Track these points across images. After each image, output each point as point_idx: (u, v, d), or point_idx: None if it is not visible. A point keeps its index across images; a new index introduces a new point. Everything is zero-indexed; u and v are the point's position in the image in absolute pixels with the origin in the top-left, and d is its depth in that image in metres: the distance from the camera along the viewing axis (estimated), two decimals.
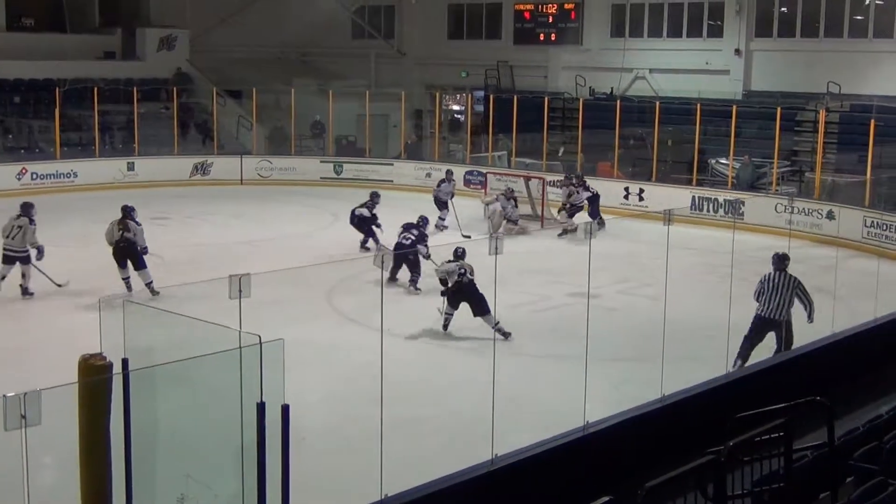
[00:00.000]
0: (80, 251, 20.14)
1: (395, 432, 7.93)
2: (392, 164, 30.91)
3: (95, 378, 6.10)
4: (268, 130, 34.00)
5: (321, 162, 31.45)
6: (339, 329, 15.25)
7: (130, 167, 29.34)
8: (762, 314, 12.98)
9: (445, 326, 14.93)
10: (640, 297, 17.10)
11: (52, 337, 14.30)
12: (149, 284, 16.48)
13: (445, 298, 14.89)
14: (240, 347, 6.05)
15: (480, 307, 14.25)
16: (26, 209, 16.98)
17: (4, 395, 4.72)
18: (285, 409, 6.08)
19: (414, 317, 15.20)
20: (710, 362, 11.47)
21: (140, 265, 16.67)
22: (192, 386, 6.59)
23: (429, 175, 28.52)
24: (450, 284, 14.74)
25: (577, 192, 23.75)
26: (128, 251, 16.59)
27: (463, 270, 14.47)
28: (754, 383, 10.74)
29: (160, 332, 6.72)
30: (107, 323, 6.46)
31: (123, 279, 16.68)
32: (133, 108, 30.92)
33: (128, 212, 16.99)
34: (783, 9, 31.27)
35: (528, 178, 25.88)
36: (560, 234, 22.44)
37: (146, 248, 16.87)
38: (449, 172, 25.03)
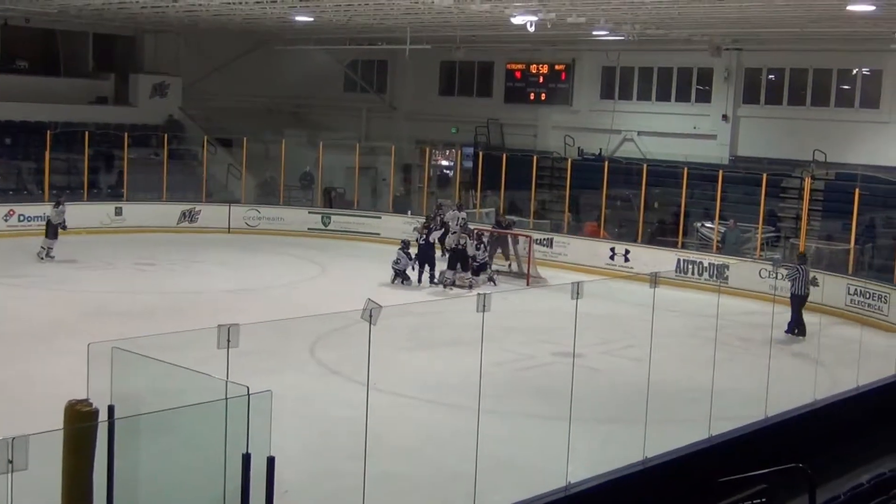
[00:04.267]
0: (64, 294, 20.12)
1: (376, 488, 7.90)
2: (380, 217, 31.00)
3: (82, 425, 6.08)
4: (257, 180, 34.09)
5: (309, 213, 31.53)
6: (320, 381, 15.20)
7: (118, 212, 29.35)
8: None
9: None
10: (623, 358, 17.12)
11: (37, 380, 14.22)
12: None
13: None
14: (226, 398, 6.05)
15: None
16: None
17: None
18: (270, 462, 6.07)
19: (398, 371, 15.18)
20: (693, 425, 11.47)
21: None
22: (177, 434, 6.57)
23: (416, 229, 28.56)
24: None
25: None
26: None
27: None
28: (737, 448, 10.75)
29: (147, 380, 6.71)
30: (94, 369, 6.46)
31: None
32: (123, 153, 30.97)
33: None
34: (771, 76, 31.70)
35: (514, 236, 26.01)
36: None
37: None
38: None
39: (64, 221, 24.46)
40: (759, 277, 22.41)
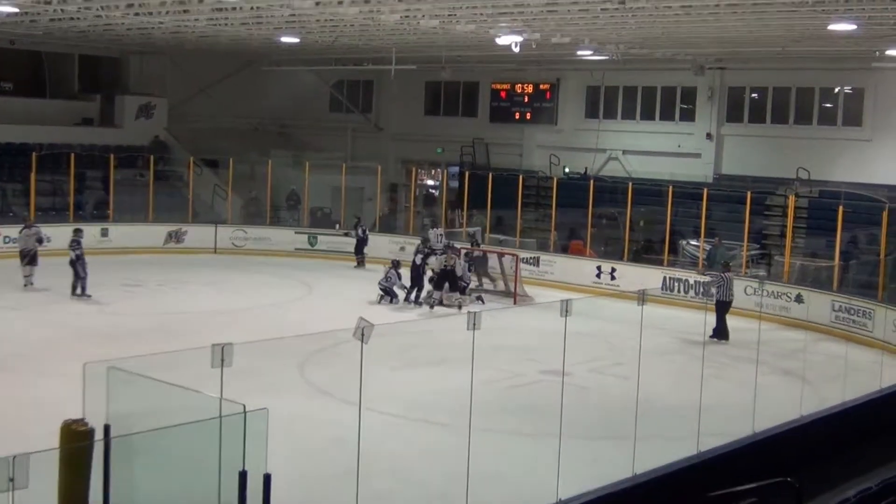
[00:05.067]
0: (53, 317, 20.10)
1: None
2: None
3: (78, 444, 6.11)
4: (243, 200, 34.12)
5: (296, 233, 31.57)
6: (309, 401, 15.22)
7: (104, 233, 29.31)
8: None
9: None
10: (611, 375, 17.20)
11: (30, 402, 14.21)
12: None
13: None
14: (220, 416, 6.09)
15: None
16: None
17: None
18: (267, 479, 6.11)
19: (387, 390, 15.21)
20: (681, 441, 11.53)
21: None
22: (173, 453, 6.60)
23: (402, 248, 28.65)
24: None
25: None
26: None
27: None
28: (725, 463, 10.81)
29: (142, 399, 6.75)
30: (88, 389, 6.50)
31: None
32: (109, 174, 30.97)
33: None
34: (754, 95, 31.97)
35: (501, 255, 26.10)
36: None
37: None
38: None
39: (35, 246, 23.48)
40: (745, 294, 22.53)
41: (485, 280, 25.52)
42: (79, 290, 22.42)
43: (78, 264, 22.50)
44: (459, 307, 22.90)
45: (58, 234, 28.01)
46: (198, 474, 6.50)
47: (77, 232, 23.31)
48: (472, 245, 26.07)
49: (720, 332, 20.46)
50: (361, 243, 29.22)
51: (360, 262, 29.07)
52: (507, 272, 25.56)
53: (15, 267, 24.77)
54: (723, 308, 20.83)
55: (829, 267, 23.95)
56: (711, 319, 20.33)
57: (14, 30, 30.36)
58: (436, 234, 26.59)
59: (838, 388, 13.99)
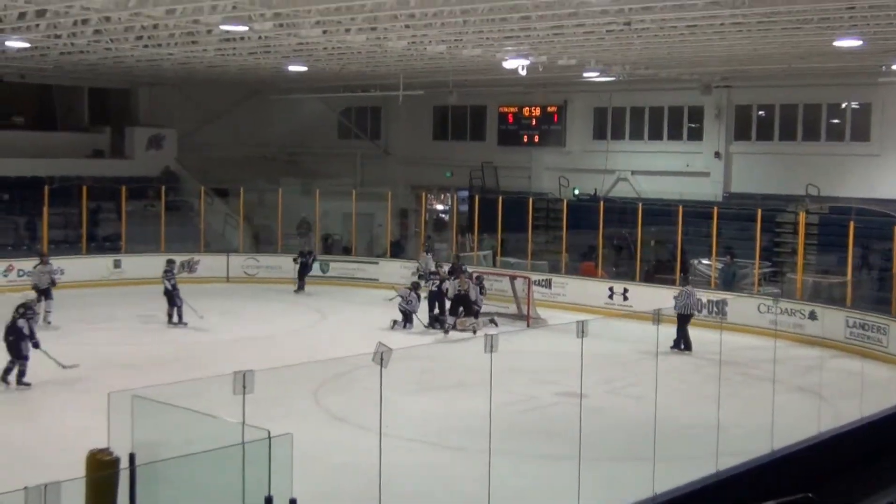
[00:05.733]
0: (70, 349, 20.15)
1: None
2: (377, 263, 31.12)
3: (104, 473, 6.16)
4: (254, 229, 34.23)
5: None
6: (325, 426, 15.24)
7: (117, 264, 29.43)
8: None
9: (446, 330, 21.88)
10: (626, 396, 17.19)
11: (54, 433, 14.27)
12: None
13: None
14: (243, 442, 6.13)
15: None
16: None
17: (27, 487, 4.80)
18: None
19: (403, 414, 15.20)
20: (700, 461, 11.51)
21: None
22: (198, 479, 6.64)
23: (415, 273, 28.67)
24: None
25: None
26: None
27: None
28: (745, 481, 10.80)
29: (166, 427, 6.79)
30: (112, 418, 6.54)
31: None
32: (121, 205, 31.13)
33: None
34: (761, 113, 32.03)
35: (513, 277, 26.13)
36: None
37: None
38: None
39: (51, 280, 22.99)
40: (758, 313, 22.52)
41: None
42: (175, 318, 22.60)
43: (173, 293, 23.04)
44: (474, 331, 22.93)
45: (70, 266, 28.22)
46: (223, 500, 6.53)
47: (169, 262, 24.14)
48: (459, 273, 24.97)
49: (679, 343, 21.29)
50: (305, 269, 29.34)
51: (300, 287, 29.16)
52: (519, 295, 25.57)
53: (19, 300, 24.85)
54: (684, 320, 21.57)
55: (842, 283, 23.91)
56: (728, 338, 20.26)
57: (24, 64, 30.63)
58: (425, 260, 26.69)
59: (855, 405, 13.95)
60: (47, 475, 5.47)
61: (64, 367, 17.23)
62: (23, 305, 17.45)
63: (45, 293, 22.80)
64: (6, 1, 18.24)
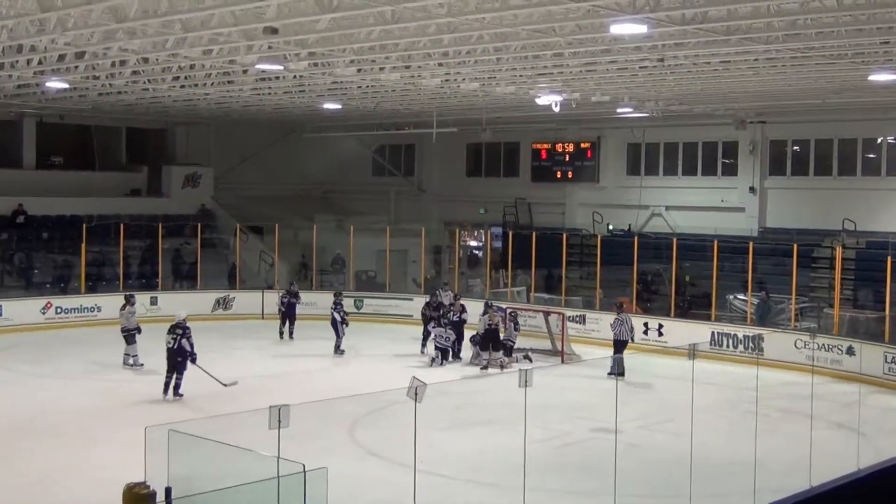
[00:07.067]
0: (103, 385, 20.33)
1: None
2: (412, 300, 31.11)
3: None
4: (289, 265, 34.41)
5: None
6: (360, 462, 15.22)
7: (154, 301, 29.60)
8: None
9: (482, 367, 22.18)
10: (661, 432, 17.04)
11: (89, 469, 14.36)
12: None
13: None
14: (278, 477, 6.16)
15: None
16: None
17: None
18: None
19: (438, 450, 15.17)
20: (738, 498, 11.43)
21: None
22: None
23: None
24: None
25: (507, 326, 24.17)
26: None
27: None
28: None
29: (202, 461, 6.83)
30: (149, 452, 6.59)
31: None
32: (157, 243, 31.43)
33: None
34: (796, 148, 31.90)
35: (547, 314, 26.07)
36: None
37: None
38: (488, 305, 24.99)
39: (132, 327, 22.45)
40: (795, 348, 22.32)
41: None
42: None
43: (341, 325, 24.65)
44: (502, 367, 22.88)
45: (108, 303, 28.48)
46: None
47: (338, 295, 25.77)
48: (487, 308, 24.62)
49: (617, 369, 20.88)
50: (292, 310, 27.39)
51: (289, 333, 27.27)
52: (553, 331, 25.50)
53: (68, 336, 25.18)
54: (620, 347, 22.19)
55: (880, 318, 23.66)
56: (764, 374, 20.03)
57: (63, 105, 31.14)
58: (447, 297, 26.49)
59: (894, 442, 13.79)
60: None
61: (224, 385, 19.07)
62: (178, 326, 19.17)
63: (131, 336, 22.42)
64: (46, 43, 18.57)
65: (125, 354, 22.45)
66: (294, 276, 31.77)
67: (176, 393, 19.05)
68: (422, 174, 41.54)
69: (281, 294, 28.21)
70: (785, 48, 17.65)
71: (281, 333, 27.25)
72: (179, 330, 19.11)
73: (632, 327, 22.89)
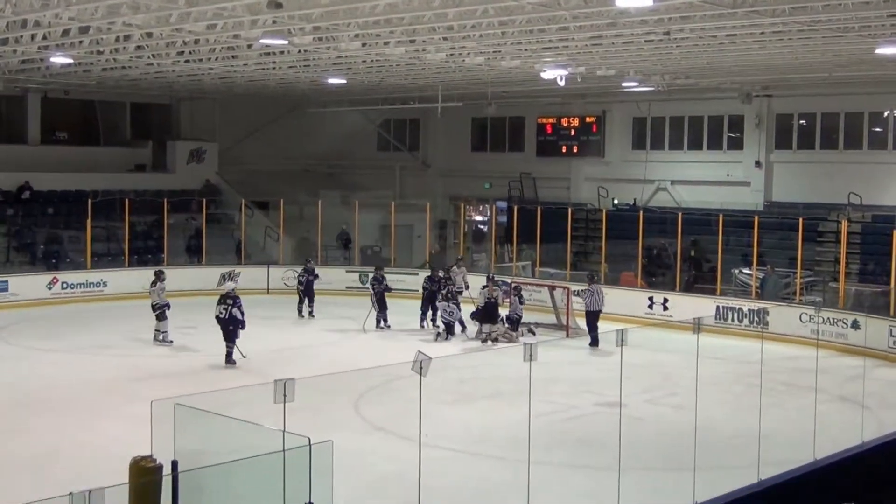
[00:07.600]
0: (109, 360, 20.41)
1: None
2: (416, 274, 31.11)
3: (147, 479, 6.24)
4: (294, 241, 34.44)
5: (347, 272, 31.75)
6: (365, 436, 15.28)
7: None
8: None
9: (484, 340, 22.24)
10: (667, 406, 17.10)
11: (96, 442, 14.44)
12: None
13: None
14: (283, 450, 6.19)
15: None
16: None
17: (71, 493, 4.87)
18: None
19: (442, 424, 15.23)
20: (742, 470, 11.45)
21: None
22: (239, 486, 6.71)
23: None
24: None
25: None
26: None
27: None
28: (787, 491, 10.72)
29: (208, 435, 6.87)
30: (156, 426, 6.63)
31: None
32: (163, 218, 31.45)
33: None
34: (802, 122, 31.79)
35: (552, 288, 26.10)
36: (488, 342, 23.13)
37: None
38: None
39: (162, 303, 22.35)
40: (800, 322, 22.33)
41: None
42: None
43: (380, 300, 24.91)
44: (495, 340, 22.98)
45: (114, 279, 28.57)
46: None
47: (378, 269, 26.08)
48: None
49: (591, 341, 22.06)
50: (310, 288, 27.14)
51: (308, 312, 27.02)
52: (558, 305, 25.54)
53: (73, 311, 25.24)
54: (593, 317, 22.71)
55: (885, 292, 23.65)
56: (768, 347, 20.05)
57: (68, 80, 31.09)
58: (461, 273, 26.53)
59: None
60: (93, 481, 5.54)
61: (244, 356, 19.80)
62: (227, 296, 20.07)
63: (161, 312, 22.40)
64: (50, 18, 18.52)
65: (155, 331, 22.45)
66: (307, 253, 31.73)
67: (228, 361, 19.77)
68: (427, 149, 41.48)
69: (298, 273, 28.04)
70: (791, 21, 17.56)
71: (300, 311, 27.15)
72: (230, 300, 19.96)
73: (602, 297, 23.17)
